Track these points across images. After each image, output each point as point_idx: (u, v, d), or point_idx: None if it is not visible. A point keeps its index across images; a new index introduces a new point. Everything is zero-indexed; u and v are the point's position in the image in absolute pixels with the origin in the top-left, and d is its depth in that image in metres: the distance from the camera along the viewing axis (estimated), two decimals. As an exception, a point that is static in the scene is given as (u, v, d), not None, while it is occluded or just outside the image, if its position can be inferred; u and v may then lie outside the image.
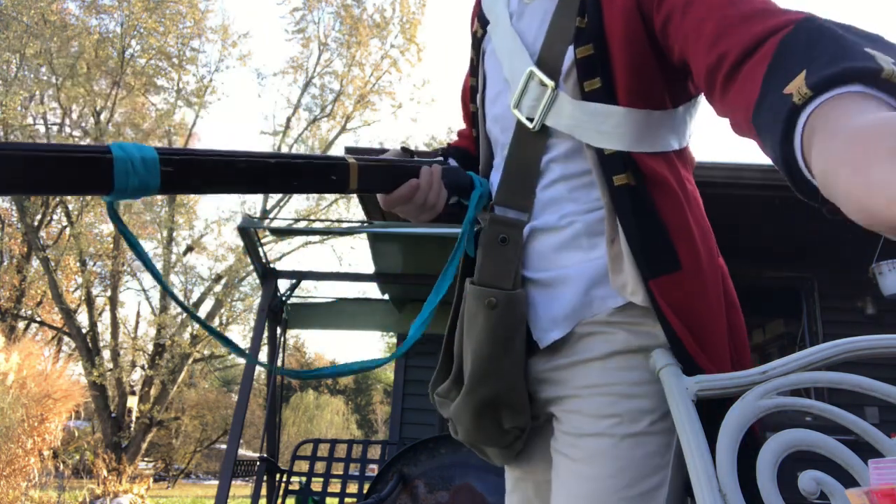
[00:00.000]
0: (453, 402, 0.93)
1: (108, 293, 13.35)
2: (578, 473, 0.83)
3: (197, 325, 13.44)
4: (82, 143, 13.32)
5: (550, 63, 0.88)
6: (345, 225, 6.57)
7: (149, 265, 0.76)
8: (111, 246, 12.86)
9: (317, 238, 13.72)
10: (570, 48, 0.86)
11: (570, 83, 0.86)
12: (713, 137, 25.76)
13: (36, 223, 13.78)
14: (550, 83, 0.87)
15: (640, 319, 0.84)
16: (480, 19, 1.03)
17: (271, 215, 14.16)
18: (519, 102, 0.90)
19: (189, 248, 13.91)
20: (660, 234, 0.82)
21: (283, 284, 4.33)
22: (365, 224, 4.62)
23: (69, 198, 13.13)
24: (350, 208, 14.53)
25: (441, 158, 1.03)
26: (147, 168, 0.67)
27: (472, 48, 1.05)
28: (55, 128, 13.98)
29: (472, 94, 1.05)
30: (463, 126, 1.17)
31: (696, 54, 0.72)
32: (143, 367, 13.88)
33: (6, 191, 0.61)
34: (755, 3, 0.68)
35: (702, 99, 0.89)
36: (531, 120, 0.89)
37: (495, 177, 0.97)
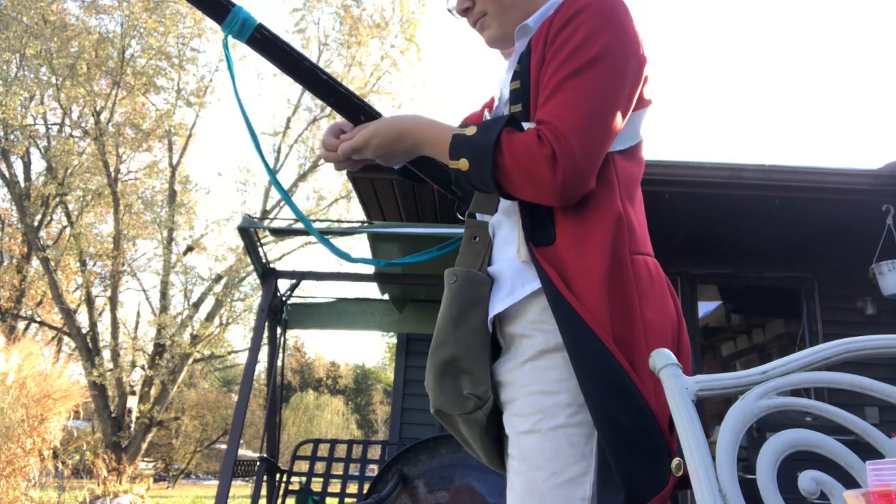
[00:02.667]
0: None
1: (108, 293, 13.33)
2: (516, 470, 0.96)
3: (196, 326, 13.44)
4: (83, 143, 13.35)
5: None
6: (345, 225, 6.57)
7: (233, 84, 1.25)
8: (111, 246, 12.85)
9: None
10: (508, 106, 1.12)
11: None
12: (713, 138, 25.74)
13: (36, 223, 13.78)
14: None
15: (549, 318, 0.96)
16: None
17: (271, 215, 14.17)
18: None
19: (189, 248, 13.89)
20: (545, 218, 1.00)
21: (283, 284, 4.33)
22: (365, 224, 4.62)
23: (69, 197, 13.13)
24: (350, 208, 14.53)
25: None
26: (247, 24, 1.10)
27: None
28: (55, 128, 13.99)
29: None
30: None
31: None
32: (143, 368, 13.86)
33: None
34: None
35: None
36: None
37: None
